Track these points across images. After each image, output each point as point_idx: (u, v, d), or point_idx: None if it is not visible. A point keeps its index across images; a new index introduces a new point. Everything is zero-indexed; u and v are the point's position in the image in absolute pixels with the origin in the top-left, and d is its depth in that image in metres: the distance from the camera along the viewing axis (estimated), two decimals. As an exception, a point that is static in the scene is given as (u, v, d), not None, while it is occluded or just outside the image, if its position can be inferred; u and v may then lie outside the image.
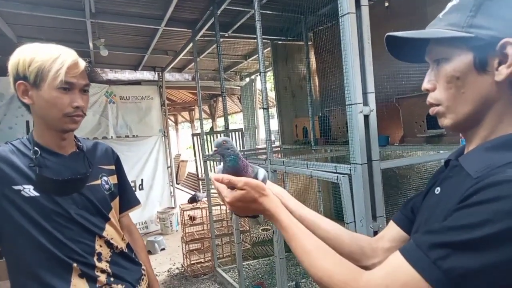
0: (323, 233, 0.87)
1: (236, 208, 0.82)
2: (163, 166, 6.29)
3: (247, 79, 6.93)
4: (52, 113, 1.09)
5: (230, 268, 4.13)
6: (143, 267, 1.33)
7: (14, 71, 1.08)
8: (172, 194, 6.48)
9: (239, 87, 7.21)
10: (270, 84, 7.22)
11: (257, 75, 6.48)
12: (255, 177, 0.85)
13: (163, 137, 6.30)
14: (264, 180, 0.86)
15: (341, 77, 1.64)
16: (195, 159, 8.66)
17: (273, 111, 6.08)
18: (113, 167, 1.32)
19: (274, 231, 2.61)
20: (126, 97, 5.97)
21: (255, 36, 2.58)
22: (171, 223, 5.96)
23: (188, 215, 4.46)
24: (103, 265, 1.15)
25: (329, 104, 3.31)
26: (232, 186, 0.80)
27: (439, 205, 0.67)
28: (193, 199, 4.60)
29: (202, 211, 4.50)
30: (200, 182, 8.29)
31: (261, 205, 0.79)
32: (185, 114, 12.75)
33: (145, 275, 1.32)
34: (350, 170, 1.66)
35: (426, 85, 0.70)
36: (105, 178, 1.25)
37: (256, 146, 6.39)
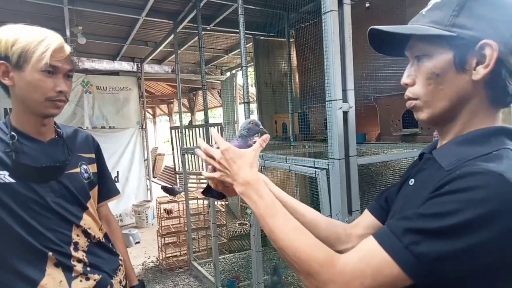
0: (300, 217, 0.88)
1: (226, 160, 0.79)
2: (140, 159, 6.20)
3: (228, 74, 6.90)
4: (34, 96, 1.06)
5: (206, 262, 4.14)
6: (120, 257, 1.32)
7: None
8: (148, 187, 6.41)
9: (219, 81, 7.16)
10: (250, 80, 7.21)
11: (238, 70, 6.46)
12: None
13: (140, 130, 6.20)
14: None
15: (321, 75, 1.67)
16: (173, 153, 8.58)
17: (253, 106, 6.09)
18: (93, 155, 1.30)
19: (251, 224, 2.64)
20: (103, 87, 5.82)
21: (237, 30, 2.58)
22: (146, 216, 5.90)
23: (164, 209, 4.42)
24: (80, 254, 1.13)
25: (308, 101, 3.34)
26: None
27: (413, 195, 0.71)
28: (168, 190, 4.56)
29: (179, 205, 4.47)
30: (177, 176, 8.21)
31: (249, 164, 0.78)
32: (164, 107, 12.57)
33: (122, 266, 1.31)
34: (328, 165, 1.70)
35: (405, 79, 0.72)
36: (84, 166, 1.23)
37: (235, 141, 6.37)
